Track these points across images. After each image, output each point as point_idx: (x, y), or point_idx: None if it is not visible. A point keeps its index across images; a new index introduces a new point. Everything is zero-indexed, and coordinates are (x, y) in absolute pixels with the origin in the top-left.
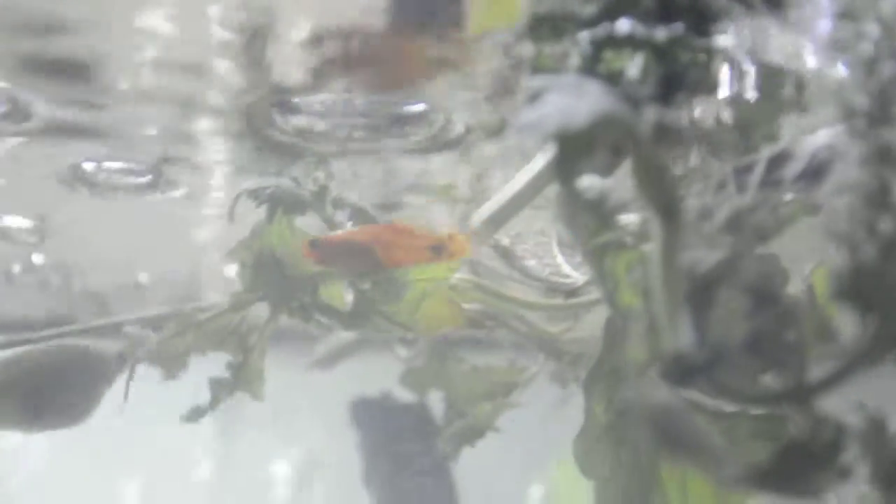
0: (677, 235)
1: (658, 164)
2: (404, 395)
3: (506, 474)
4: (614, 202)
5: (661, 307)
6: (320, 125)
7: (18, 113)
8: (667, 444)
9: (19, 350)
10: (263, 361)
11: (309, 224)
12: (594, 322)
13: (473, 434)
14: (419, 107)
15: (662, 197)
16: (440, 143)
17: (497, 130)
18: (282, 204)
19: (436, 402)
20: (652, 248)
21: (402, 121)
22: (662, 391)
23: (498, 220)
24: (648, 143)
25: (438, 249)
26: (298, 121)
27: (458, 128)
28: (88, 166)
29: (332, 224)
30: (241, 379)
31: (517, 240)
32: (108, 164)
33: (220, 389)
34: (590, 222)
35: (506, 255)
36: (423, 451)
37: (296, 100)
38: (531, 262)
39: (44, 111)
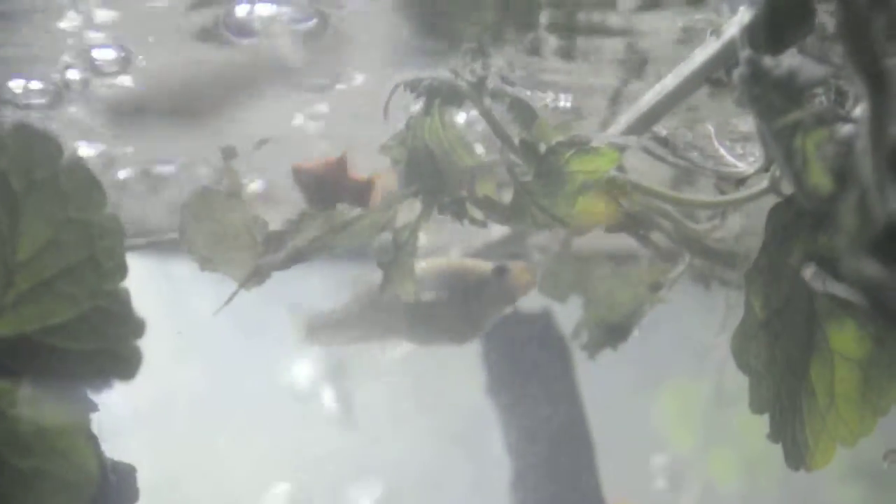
0: (887, 103)
1: (869, 30)
2: (529, 305)
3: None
4: (804, 78)
5: (870, 178)
6: None
7: None
8: (884, 315)
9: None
10: (413, 259)
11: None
12: (739, 220)
13: (616, 335)
14: None
15: (872, 63)
16: None
17: None
18: (439, 95)
19: (560, 311)
20: (860, 116)
21: None
22: (873, 264)
23: (654, 114)
24: (860, 7)
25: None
26: None
27: None
28: None
29: (489, 118)
30: (392, 277)
31: (676, 133)
32: None
33: None
34: (778, 100)
35: (667, 145)
36: (548, 360)
37: None
38: (693, 154)
39: None
